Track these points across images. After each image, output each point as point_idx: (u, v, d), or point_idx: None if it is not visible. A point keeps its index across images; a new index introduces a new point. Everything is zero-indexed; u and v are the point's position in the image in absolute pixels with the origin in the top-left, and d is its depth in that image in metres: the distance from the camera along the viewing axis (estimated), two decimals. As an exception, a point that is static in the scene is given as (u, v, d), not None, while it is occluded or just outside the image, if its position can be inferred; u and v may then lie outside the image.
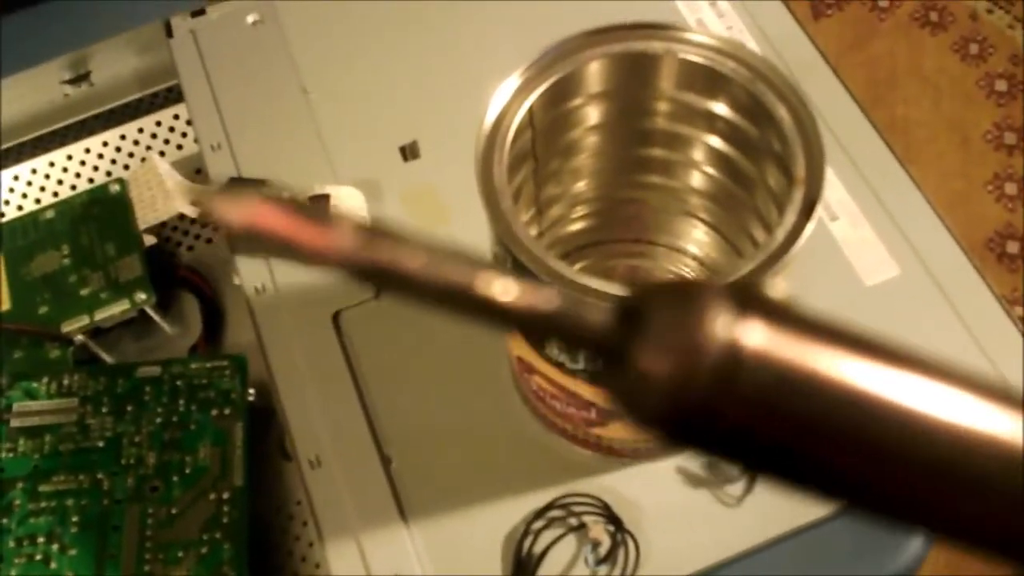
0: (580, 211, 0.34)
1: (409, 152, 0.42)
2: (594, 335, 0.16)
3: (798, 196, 0.26)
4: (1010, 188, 0.90)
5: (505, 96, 0.28)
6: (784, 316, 0.15)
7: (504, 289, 0.16)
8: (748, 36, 0.43)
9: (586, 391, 0.30)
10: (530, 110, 0.28)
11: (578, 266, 0.38)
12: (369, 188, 0.41)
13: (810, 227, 0.26)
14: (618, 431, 0.32)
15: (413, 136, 0.42)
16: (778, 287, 0.28)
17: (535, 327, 0.17)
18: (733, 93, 0.28)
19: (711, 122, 0.30)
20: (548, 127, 0.29)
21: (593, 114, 0.30)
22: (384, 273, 0.16)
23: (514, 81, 0.28)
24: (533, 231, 0.34)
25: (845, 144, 0.41)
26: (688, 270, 0.36)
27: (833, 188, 0.40)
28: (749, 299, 0.15)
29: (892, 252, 0.38)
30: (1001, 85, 0.96)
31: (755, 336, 0.15)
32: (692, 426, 0.15)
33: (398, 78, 0.44)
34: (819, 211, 0.26)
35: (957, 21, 1.00)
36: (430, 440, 0.35)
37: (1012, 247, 0.87)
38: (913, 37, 0.99)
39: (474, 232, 0.38)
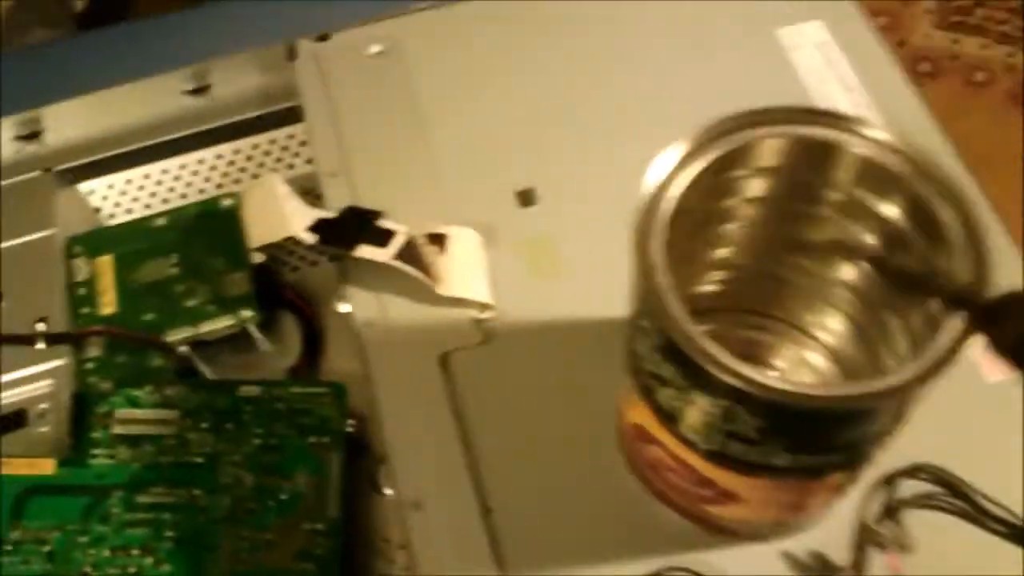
0: (715, 276, 0.34)
1: (526, 198, 0.42)
2: None
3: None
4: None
5: (668, 164, 0.28)
6: None
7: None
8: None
9: (708, 469, 0.30)
10: (692, 182, 0.28)
11: (700, 328, 0.38)
12: (483, 231, 0.41)
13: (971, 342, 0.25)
14: (732, 511, 0.32)
15: (531, 182, 0.42)
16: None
17: None
18: (900, 194, 0.28)
19: (877, 221, 0.29)
20: (704, 193, 0.29)
21: (756, 187, 0.30)
22: None
23: (676, 152, 0.28)
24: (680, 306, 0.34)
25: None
26: (811, 352, 0.35)
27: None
28: None
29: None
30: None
31: None
32: None
33: (520, 121, 0.44)
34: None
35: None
36: (532, 494, 0.35)
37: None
38: (1007, 116, 0.97)
39: (587, 288, 0.38)
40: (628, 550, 0.34)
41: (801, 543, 0.34)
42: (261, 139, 0.49)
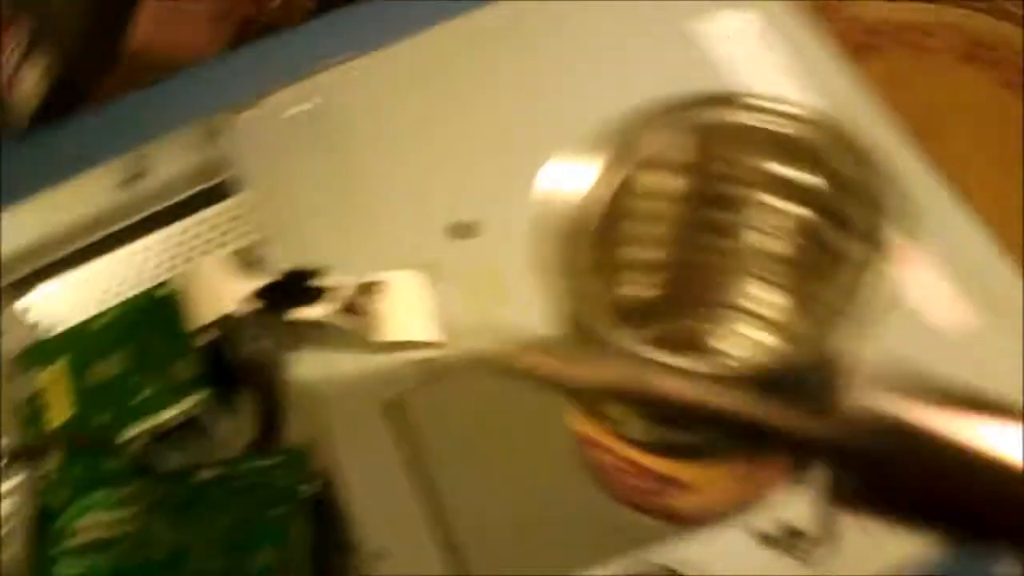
0: (647, 277, 0.33)
1: (464, 232, 0.41)
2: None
3: (867, 257, 0.24)
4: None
5: (581, 170, 0.27)
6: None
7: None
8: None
9: (657, 464, 0.29)
10: (613, 183, 0.27)
11: (644, 331, 0.37)
12: (427, 270, 0.40)
13: (880, 284, 0.24)
14: (686, 499, 0.31)
15: (468, 215, 0.41)
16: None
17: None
18: (810, 159, 0.27)
19: (785, 187, 0.29)
20: (624, 200, 0.28)
21: (661, 182, 0.30)
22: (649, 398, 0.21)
23: (589, 154, 0.27)
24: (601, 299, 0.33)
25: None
26: (764, 334, 0.34)
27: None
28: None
29: (965, 298, 0.36)
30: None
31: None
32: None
33: (450, 157, 0.44)
34: (891, 270, 0.25)
35: (1006, 59, 0.98)
36: (498, 524, 0.34)
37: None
38: (958, 75, 0.96)
39: (530, 314, 0.37)
40: (599, 558, 0.33)
41: (770, 514, 0.33)
42: (200, 218, 0.48)
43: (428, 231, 0.41)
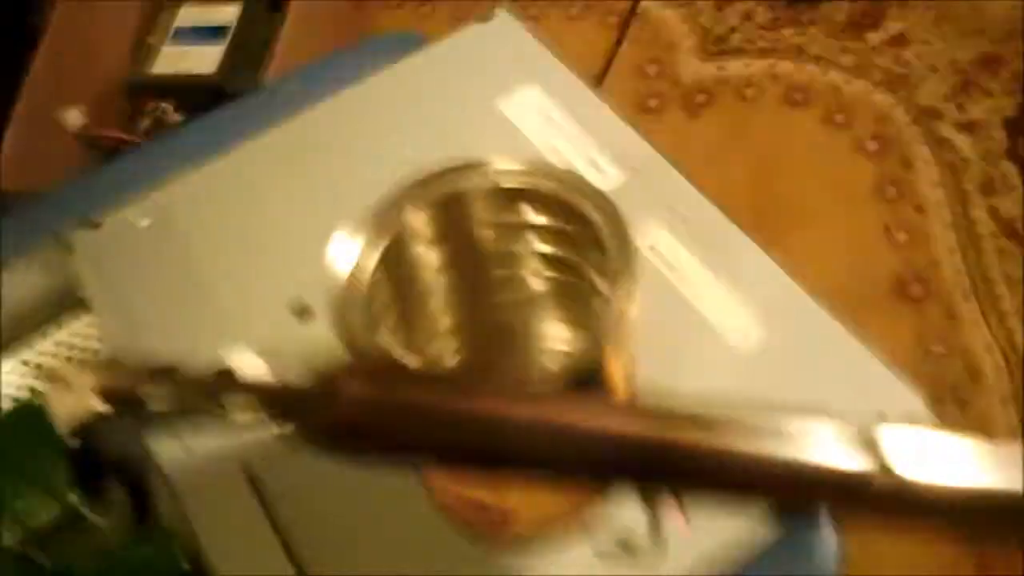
0: (451, 345, 0.38)
1: (301, 313, 0.45)
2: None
3: (617, 285, 0.29)
4: (900, 236, 0.95)
5: (350, 252, 0.31)
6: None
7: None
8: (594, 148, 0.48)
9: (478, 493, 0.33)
10: (377, 265, 0.31)
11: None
12: (273, 353, 0.44)
13: (630, 309, 0.29)
14: (519, 526, 0.34)
15: (305, 299, 0.45)
16: (621, 363, 0.31)
17: None
18: (545, 203, 0.32)
19: (533, 231, 0.33)
20: (397, 278, 0.33)
21: (431, 256, 0.34)
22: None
23: (353, 239, 0.32)
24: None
25: (703, 232, 0.45)
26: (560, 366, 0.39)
27: (694, 271, 0.43)
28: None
29: (755, 316, 0.42)
30: (872, 145, 1.02)
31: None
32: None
33: (283, 249, 0.48)
34: (635, 295, 0.30)
35: (820, 96, 1.08)
36: (355, 567, 0.37)
37: (915, 290, 0.91)
38: (783, 118, 1.06)
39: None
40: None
41: (610, 534, 0.37)
42: (62, 334, 0.51)
43: (269, 317, 0.45)
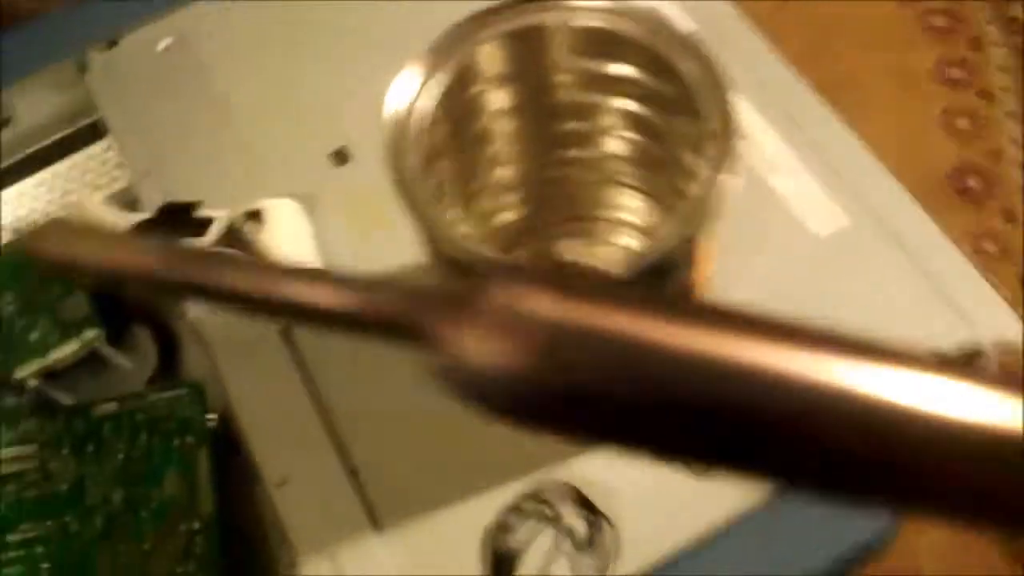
0: (511, 198, 0.34)
1: (339, 158, 0.41)
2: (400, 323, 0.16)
3: (712, 151, 0.26)
4: (962, 123, 0.90)
5: (406, 89, 0.28)
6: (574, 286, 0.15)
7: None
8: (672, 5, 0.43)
9: None
10: (437, 103, 0.28)
11: (517, 253, 0.38)
12: (303, 198, 0.40)
13: (728, 180, 0.25)
14: None
15: (342, 141, 0.42)
16: (708, 249, 0.27)
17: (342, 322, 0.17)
18: (634, 53, 0.28)
19: (617, 85, 0.29)
20: (456, 119, 0.29)
21: (497, 98, 0.30)
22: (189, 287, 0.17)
23: (412, 74, 0.28)
24: (464, 229, 0.34)
25: (779, 100, 0.41)
26: (630, 239, 0.36)
27: (771, 143, 0.39)
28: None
29: (839, 202, 0.38)
30: (939, 21, 0.96)
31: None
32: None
33: (320, 83, 0.44)
34: (736, 163, 0.26)
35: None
36: (395, 446, 0.35)
37: (972, 182, 0.87)
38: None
39: (410, 233, 0.38)
40: (499, 476, 0.34)
41: None
42: (78, 158, 0.48)
43: (303, 159, 0.42)
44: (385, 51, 0.43)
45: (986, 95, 0.91)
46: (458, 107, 0.29)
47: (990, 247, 0.83)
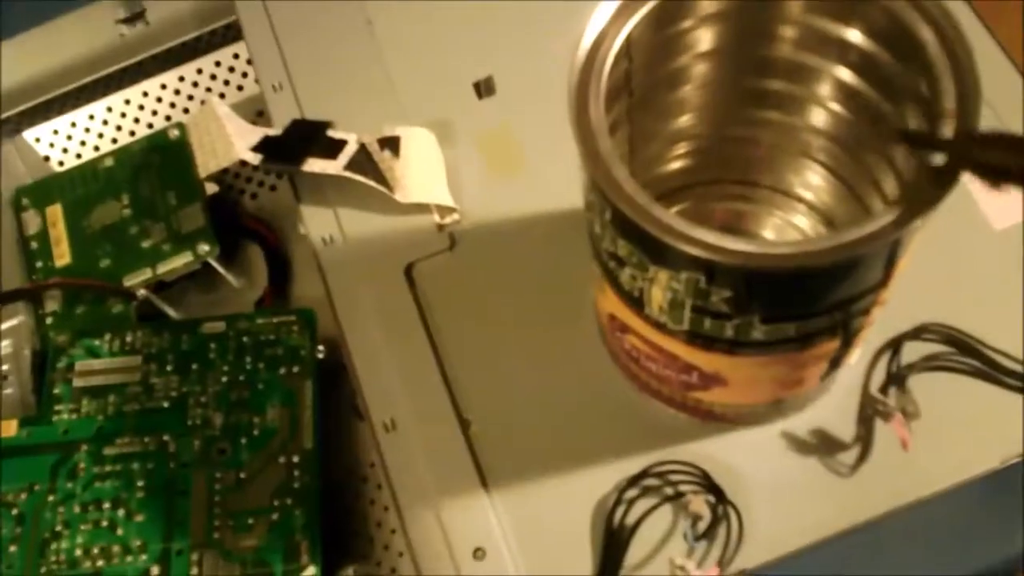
0: (681, 148, 0.31)
1: (484, 89, 0.39)
2: None
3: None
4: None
5: (602, 20, 0.24)
6: None
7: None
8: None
9: (686, 353, 0.27)
10: (629, 36, 0.24)
11: (674, 209, 0.35)
12: (442, 129, 0.38)
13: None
14: (720, 395, 0.29)
15: (487, 71, 0.39)
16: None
17: None
18: (871, 17, 0.25)
19: (844, 52, 0.26)
20: (650, 54, 0.26)
21: (704, 39, 0.27)
22: None
23: (612, 4, 0.25)
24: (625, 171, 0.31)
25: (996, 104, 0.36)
26: (799, 216, 0.33)
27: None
28: None
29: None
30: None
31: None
32: None
33: (469, 9, 0.41)
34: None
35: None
36: (512, 401, 0.33)
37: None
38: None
39: (552, 178, 0.35)
40: (619, 450, 0.32)
41: (803, 420, 0.31)
42: (205, 62, 0.46)
43: (444, 86, 0.39)
44: None
45: None
46: (652, 44, 0.26)
47: None
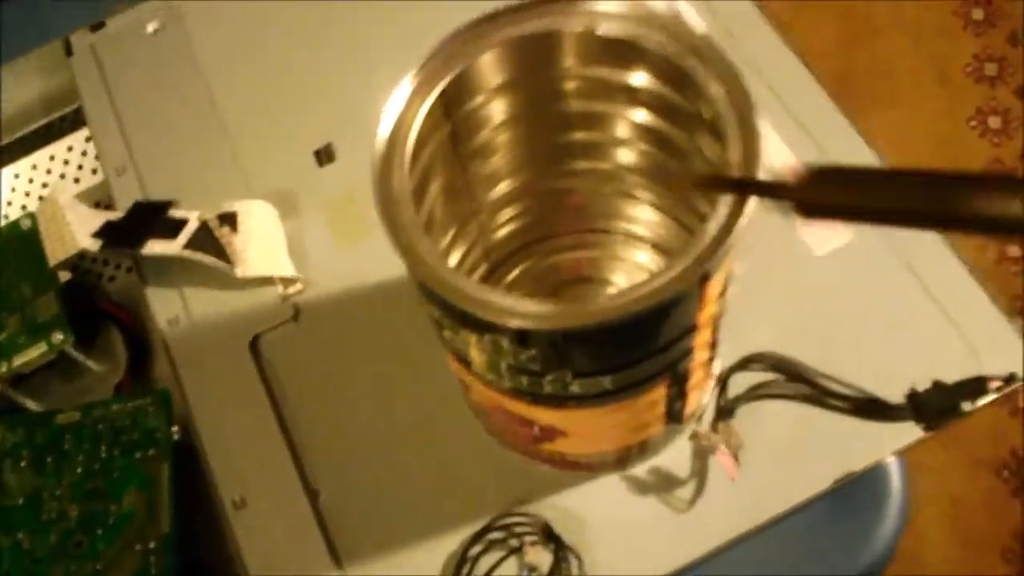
0: (511, 211, 0.32)
1: (324, 156, 0.39)
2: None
3: (718, 153, 0.23)
4: (994, 122, 0.86)
5: (400, 102, 0.25)
6: None
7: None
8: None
9: (520, 408, 0.28)
10: (428, 115, 0.25)
11: (519, 269, 0.35)
12: (285, 198, 0.38)
13: (746, 215, 0.23)
14: (566, 445, 0.30)
15: (327, 139, 0.40)
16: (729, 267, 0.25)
17: None
18: (651, 62, 0.26)
19: (632, 96, 0.27)
20: (455, 131, 0.27)
21: (498, 109, 0.28)
22: None
23: (408, 85, 0.25)
24: (465, 243, 0.32)
25: (789, 104, 0.38)
26: (641, 253, 0.33)
27: (778, 151, 0.37)
28: None
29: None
30: (978, 14, 0.92)
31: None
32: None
33: (308, 79, 0.41)
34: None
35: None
36: (358, 468, 0.33)
37: (1001, 183, 0.83)
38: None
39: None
40: (475, 505, 0.32)
41: (648, 463, 0.32)
42: (58, 148, 0.46)
43: (285, 157, 0.40)
44: (378, 48, 0.41)
45: (1021, 94, 0.87)
46: (452, 122, 0.27)
47: (1015, 252, 0.80)
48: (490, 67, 0.27)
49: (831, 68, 0.88)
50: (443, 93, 0.26)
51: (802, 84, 0.38)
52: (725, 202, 0.23)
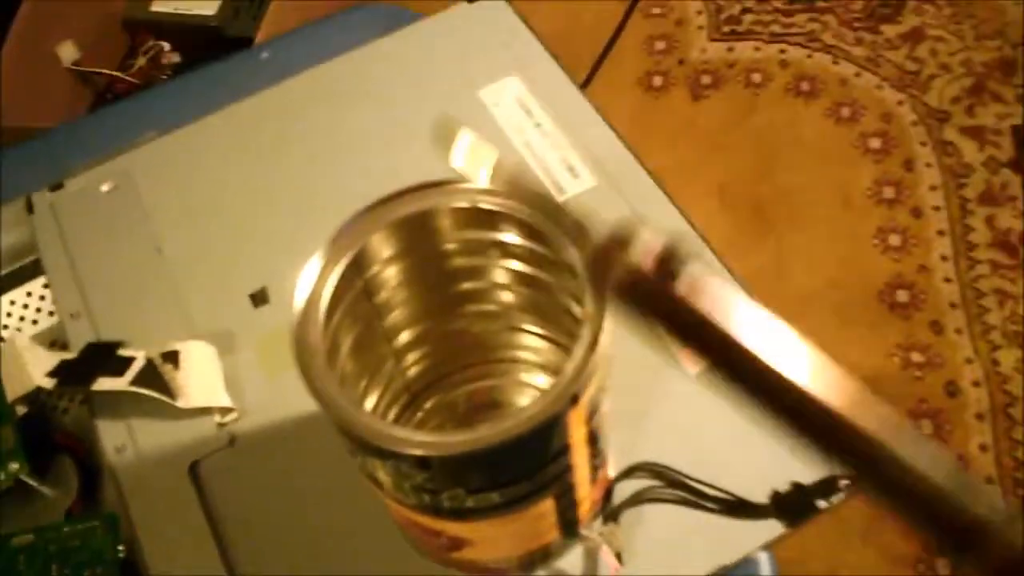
0: (421, 352, 0.37)
1: (259, 299, 0.44)
2: None
3: (586, 332, 0.28)
4: (894, 239, 0.94)
5: (313, 272, 0.30)
6: None
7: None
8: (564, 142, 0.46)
9: (426, 520, 0.32)
10: (341, 279, 0.30)
11: (436, 398, 0.40)
12: (224, 337, 0.43)
13: (596, 358, 0.28)
14: (473, 553, 0.34)
15: (262, 283, 0.44)
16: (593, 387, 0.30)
17: None
18: (515, 223, 0.31)
19: (502, 248, 0.32)
20: (356, 299, 0.32)
21: (393, 274, 0.33)
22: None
23: (318, 260, 0.31)
24: (382, 381, 0.37)
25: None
26: (537, 376, 0.38)
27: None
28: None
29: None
30: (875, 143, 1.01)
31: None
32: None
33: (245, 230, 0.47)
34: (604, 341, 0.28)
35: (828, 88, 1.05)
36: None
37: (902, 296, 0.90)
38: (788, 108, 1.04)
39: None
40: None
41: (553, 564, 0.36)
42: (17, 294, 0.50)
43: (225, 300, 0.44)
44: (309, 201, 0.47)
45: (917, 214, 0.95)
46: (357, 288, 0.32)
47: (918, 358, 0.86)
48: (380, 244, 0.32)
49: (745, 194, 0.96)
50: (350, 264, 0.31)
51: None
52: (585, 335, 0.28)
